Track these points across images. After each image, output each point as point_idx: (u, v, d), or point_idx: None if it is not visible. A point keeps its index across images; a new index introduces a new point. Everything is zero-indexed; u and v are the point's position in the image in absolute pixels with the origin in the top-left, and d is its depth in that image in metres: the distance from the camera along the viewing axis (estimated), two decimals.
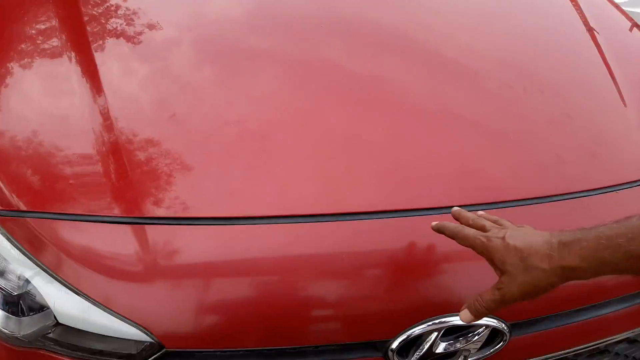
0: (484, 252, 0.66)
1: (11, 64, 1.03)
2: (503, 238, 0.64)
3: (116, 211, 0.79)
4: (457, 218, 0.74)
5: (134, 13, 1.12)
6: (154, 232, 0.78)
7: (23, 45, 1.06)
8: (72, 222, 0.79)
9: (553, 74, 1.19)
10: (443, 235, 0.73)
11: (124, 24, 1.10)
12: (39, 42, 1.06)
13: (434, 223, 0.75)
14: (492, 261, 0.66)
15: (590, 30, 1.32)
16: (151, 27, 1.09)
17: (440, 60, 1.15)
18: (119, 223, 0.79)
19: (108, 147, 0.86)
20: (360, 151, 0.92)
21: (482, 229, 0.68)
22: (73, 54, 1.01)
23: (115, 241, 0.78)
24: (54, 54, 1.03)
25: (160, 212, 0.80)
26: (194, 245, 0.79)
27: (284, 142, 0.92)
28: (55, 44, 1.05)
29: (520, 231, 0.65)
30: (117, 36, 1.07)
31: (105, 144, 0.86)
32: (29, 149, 0.88)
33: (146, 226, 0.78)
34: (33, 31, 1.09)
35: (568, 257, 0.58)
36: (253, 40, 1.10)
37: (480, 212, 0.74)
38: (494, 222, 0.70)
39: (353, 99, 1.01)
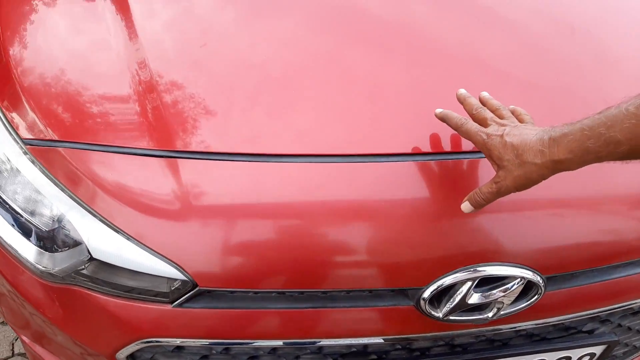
0: (484, 148, 0.72)
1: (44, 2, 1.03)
2: (501, 136, 0.69)
3: (150, 144, 0.79)
4: (461, 102, 0.80)
5: None
6: (188, 167, 0.78)
7: None
8: (107, 153, 0.79)
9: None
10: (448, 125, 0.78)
11: None
12: None
13: (438, 110, 0.79)
14: (490, 157, 0.71)
15: None
16: None
17: (471, 5, 1.11)
18: (153, 156, 0.78)
19: (143, 86, 0.85)
20: (389, 94, 0.90)
21: (484, 122, 0.74)
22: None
23: (149, 175, 0.78)
24: None
25: (194, 146, 0.80)
26: (227, 182, 0.78)
27: (312, 83, 0.90)
28: None
29: (517, 129, 0.69)
30: None
31: (140, 83, 0.86)
32: (66, 85, 0.88)
33: (180, 160, 0.78)
34: None
35: (557, 151, 0.63)
36: None
37: (484, 94, 0.80)
38: (495, 110, 0.76)
39: (380, 43, 0.98)
